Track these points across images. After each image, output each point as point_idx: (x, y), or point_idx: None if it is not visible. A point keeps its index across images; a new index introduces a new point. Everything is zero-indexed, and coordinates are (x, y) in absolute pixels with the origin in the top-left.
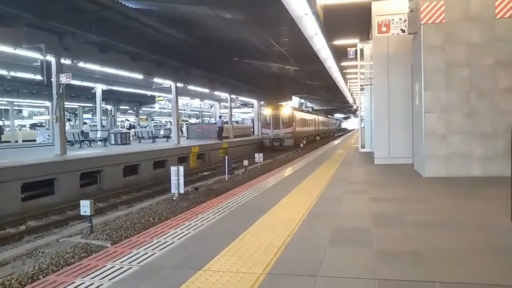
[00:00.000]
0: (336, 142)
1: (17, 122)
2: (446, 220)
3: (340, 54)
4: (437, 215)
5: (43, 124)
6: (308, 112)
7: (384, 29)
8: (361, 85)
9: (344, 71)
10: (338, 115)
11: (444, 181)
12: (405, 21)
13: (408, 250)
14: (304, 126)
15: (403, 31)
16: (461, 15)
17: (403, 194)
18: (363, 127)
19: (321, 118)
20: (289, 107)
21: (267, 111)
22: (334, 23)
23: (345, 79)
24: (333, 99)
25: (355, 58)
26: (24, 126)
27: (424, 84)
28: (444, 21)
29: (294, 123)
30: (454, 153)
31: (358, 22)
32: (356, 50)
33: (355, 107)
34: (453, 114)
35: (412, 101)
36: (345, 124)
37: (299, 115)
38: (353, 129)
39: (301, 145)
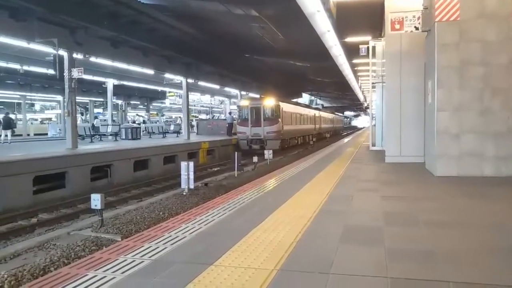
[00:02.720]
0: (346, 140)
1: (29, 115)
2: (459, 219)
3: (351, 51)
4: (449, 214)
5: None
6: (306, 106)
7: (397, 26)
8: (372, 83)
9: (356, 68)
10: (348, 113)
11: (456, 180)
12: (419, 18)
13: (420, 249)
14: (296, 123)
15: (417, 28)
16: (476, 13)
17: (414, 192)
18: (374, 125)
19: (324, 114)
20: (274, 98)
21: (244, 103)
22: (347, 20)
23: (356, 77)
24: (343, 97)
25: (367, 56)
26: (36, 120)
27: (437, 82)
28: (458, 19)
29: (280, 119)
30: (466, 152)
31: (371, 19)
32: (368, 48)
33: (365, 104)
34: (466, 112)
35: (424, 99)
36: (355, 122)
37: (289, 108)
38: (363, 127)
39: (311, 142)
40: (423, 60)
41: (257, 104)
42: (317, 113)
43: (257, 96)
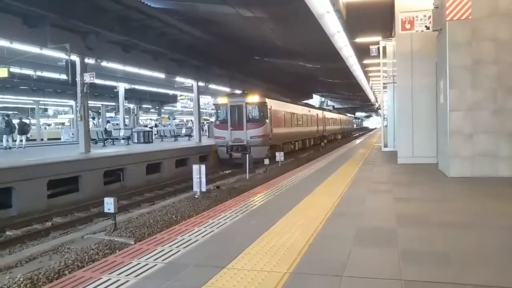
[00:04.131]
0: (357, 141)
1: (42, 120)
2: (474, 221)
3: (362, 52)
4: (464, 216)
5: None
6: (306, 104)
7: (408, 26)
8: (383, 83)
9: (366, 69)
10: (359, 114)
11: (470, 181)
12: (429, 17)
13: (434, 250)
14: (292, 125)
15: (428, 28)
16: (488, 11)
17: (427, 194)
18: (386, 125)
19: (330, 114)
20: (259, 94)
21: (222, 100)
22: (357, 20)
23: (367, 77)
24: (354, 98)
25: (378, 56)
26: (50, 124)
27: (449, 82)
28: (470, 17)
29: (268, 120)
30: (480, 153)
31: (381, 19)
32: (378, 48)
33: (377, 105)
34: (479, 112)
35: (436, 99)
36: (367, 123)
37: (281, 107)
38: (375, 128)
39: (322, 144)
40: (434, 59)
41: (238, 101)
42: (320, 113)
43: (239, 91)
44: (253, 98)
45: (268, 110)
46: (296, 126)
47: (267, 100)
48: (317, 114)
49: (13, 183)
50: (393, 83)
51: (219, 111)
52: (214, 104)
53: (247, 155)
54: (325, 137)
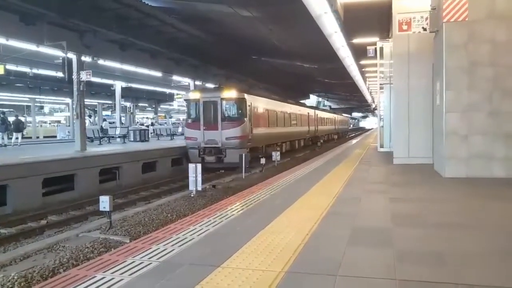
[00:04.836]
0: (354, 141)
1: (38, 118)
2: (468, 221)
3: (359, 52)
4: (459, 216)
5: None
6: (296, 103)
7: (405, 27)
8: (380, 84)
9: (363, 69)
10: (356, 114)
11: (465, 181)
12: (426, 19)
13: (429, 251)
14: (277, 125)
15: (425, 29)
16: (485, 13)
17: (423, 194)
18: (382, 126)
19: (323, 113)
20: (237, 89)
21: (194, 95)
22: (354, 21)
23: (364, 78)
24: (351, 98)
25: (375, 57)
26: (46, 122)
27: (446, 83)
28: (467, 19)
29: (247, 119)
30: (475, 154)
31: (378, 20)
32: (375, 49)
33: (373, 106)
34: (475, 114)
35: (432, 100)
36: (363, 123)
37: (263, 104)
38: (371, 128)
39: (319, 143)
40: (431, 61)
41: (212, 97)
42: (312, 112)
43: (213, 86)
44: (230, 94)
45: (248, 108)
46: (283, 126)
47: (246, 96)
48: (308, 113)
49: (8, 180)
50: (390, 84)
51: (190, 108)
52: (184, 100)
53: (244, 154)
54: (318, 138)
